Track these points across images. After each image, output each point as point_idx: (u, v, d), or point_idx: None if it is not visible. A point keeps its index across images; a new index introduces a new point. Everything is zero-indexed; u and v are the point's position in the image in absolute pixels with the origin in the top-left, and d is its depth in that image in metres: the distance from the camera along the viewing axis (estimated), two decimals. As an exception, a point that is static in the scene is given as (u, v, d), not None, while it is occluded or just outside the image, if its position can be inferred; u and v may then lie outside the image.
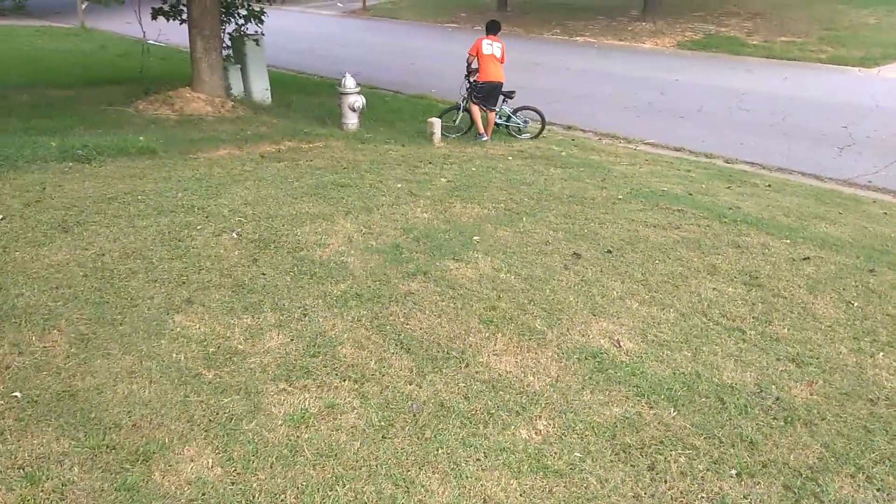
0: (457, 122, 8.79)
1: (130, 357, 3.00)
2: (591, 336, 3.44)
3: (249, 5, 10.03)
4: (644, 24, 19.18)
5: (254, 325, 3.34)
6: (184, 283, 3.71)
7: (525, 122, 8.94)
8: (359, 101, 8.59)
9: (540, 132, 8.97)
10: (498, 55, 8.30)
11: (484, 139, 8.40)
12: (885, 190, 7.26)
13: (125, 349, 3.05)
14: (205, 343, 3.15)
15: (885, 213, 6.22)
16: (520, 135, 8.95)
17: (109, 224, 4.44)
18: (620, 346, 3.35)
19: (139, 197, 5.00)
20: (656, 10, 19.68)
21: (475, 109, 8.40)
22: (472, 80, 8.37)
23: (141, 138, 6.70)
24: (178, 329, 3.24)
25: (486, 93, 8.33)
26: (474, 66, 8.43)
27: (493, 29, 8.39)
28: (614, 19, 20.41)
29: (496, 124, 8.80)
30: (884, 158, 8.26)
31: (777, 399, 2.95)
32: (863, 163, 8.15)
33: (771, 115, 10.50)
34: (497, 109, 8.61)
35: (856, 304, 3.92)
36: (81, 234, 4.26)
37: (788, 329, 3.60)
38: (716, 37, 17.35)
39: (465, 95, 8.56)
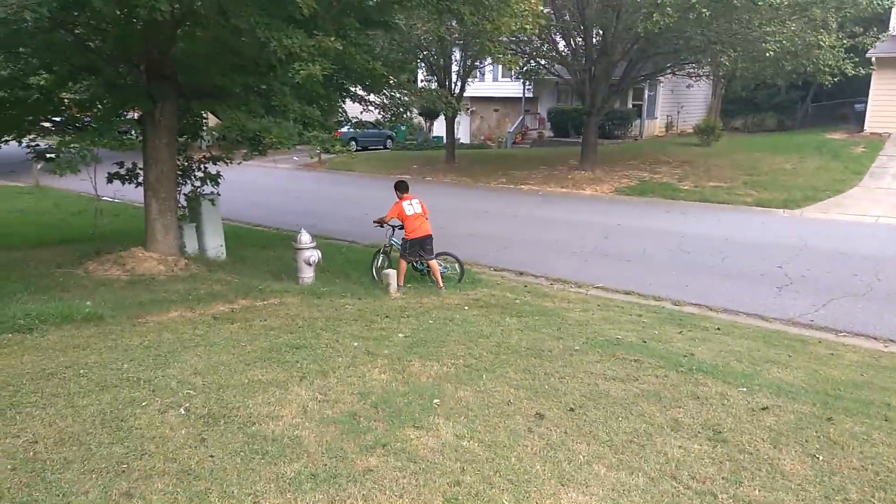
0: (377, 264, 9.41)
1: (56, 570, 2.68)
2: (561, 510, 3.28)
3: (205, 168, 10.32)
4: (583, 172, 20.55)
5: (199, 521, 3.06)
6: (124, 471, 3.43)
7: (445, 268, 9.24)
8: (314, 255, 8.70)
9: (461, 276, 9.21)
10: (420, 210, 8.86)
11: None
12: (826, 329, 7.55)
13: (51, 560, 2.73)
14: (143, 546, 2.85)
15: (832, 354, 6.42)
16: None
17: (46, 405, 4.16)
18: (593, 521, 3.19)
19: (81, 371, 4.75)
20: (593, 159, 21.20)
21: (403, 264, 8.87)
22: (402, 238, 8.94)
23: (88, 304, 6.52)
24: (114, 531, 2.95)
25: (418, 247, 8.83)
26: (393, 222, 9.02)
27: (404, 188, 9.02)
28: (555, 168, 21.84)
29: (417, 269, 9.22)
30: (820, 297, 8.68)
31: (760, 576, 2.81)
32: (802, 302, 8.53)
33: (710, 256, 11.07)
34: (433, 257, 8.97)
35: (821, 457, 3.90)
36: (14, 417, 3.97)
37: (759, 490, 3.52)
38: (650, 183, 18.65)
39: (388, 242, 9.33)
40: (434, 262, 8.97)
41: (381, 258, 9.47)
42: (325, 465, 3.61)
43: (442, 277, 9.13)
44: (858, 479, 3.65)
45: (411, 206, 8.83)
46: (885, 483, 3.61)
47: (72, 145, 7.66)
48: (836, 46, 16.42)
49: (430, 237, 8.90)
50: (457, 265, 9.29)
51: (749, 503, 3.39)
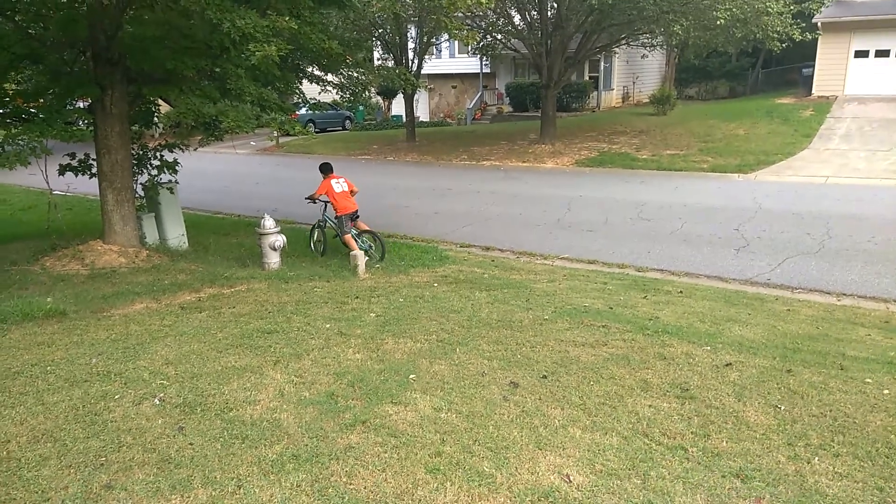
0: (314, 238, 9.98)
1: (41, 565, 2.66)
2: (540, 473, 3.37)
3: (162, 156, 10.07)
4: (543, 145, 20.68)
5: (184, 507, 3.07)
6: (102, 465, 3.40)
7: (369, 245, 9.47)
8: (279, 239, 8.61)
9: (382, 255, 9.41)
10: (346, 189, 9.50)
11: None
12: (782, 286, 7.83)
13: (35, 556, 2.71)
14: (128, 536, 2.85)
15: (789, 310, 6.68)
16: (366, 257, 9.37)
17: (15, 403, 4.07)
18: (570, 481, 3.30)
19: (48, 368, 4.65)
20: (552, 132, 21.34)
21: (350, 242, 9.25)
22: (336, 216, 9.48)
23: (48, 300, 6.36)
24: (98, 523, 2.93)
25: (350, 220, 9.43)
26: (323, 199, 9.53)
27: (329, 169, 9.68)
28: (515, 143, 21.92)
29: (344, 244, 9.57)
30: (775, 256, 8.99)
31: (730, 521, 2.96)
32: (758, 262, 8.83)
33: (670, 222, 11.33)
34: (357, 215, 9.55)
35: (782, 407, 4.09)
36: (-19, 418, 3.88)
37: (727, 441, 3.69)
38: (609, 153, 18.89)
39: (323, 218, 9.80)
40: (360, 223, 9.57)
41: (316, 232, 9.98)
42: (307, 445, 3.64)
43: (366, 254, 9.33)
44: (818, 426, 3.85)
45: (339, 185, 9.44)
46: (842, 427, 3.82)
47: (19, 138, 7.37)
48: (783, 12, 16.78)
49: (355, 212, 9.50)
50: (379, 243, 9.55)
51: (718, 454, 3.55)
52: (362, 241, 9.46)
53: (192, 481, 3.27)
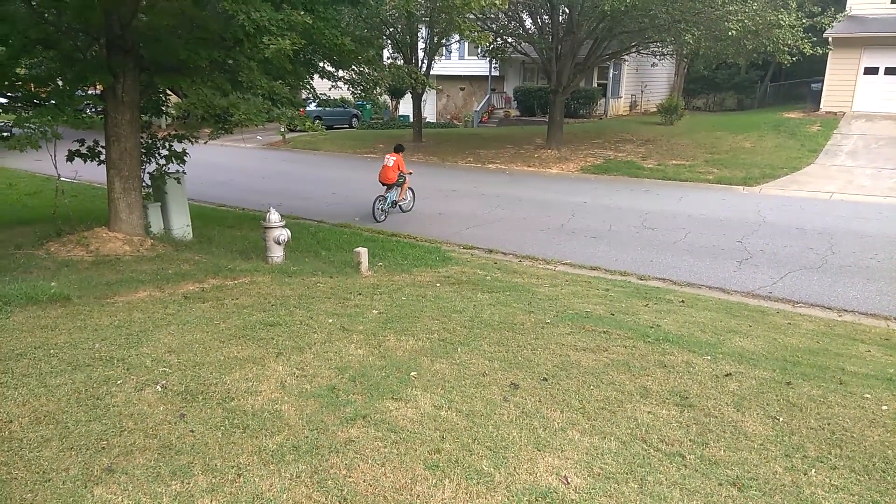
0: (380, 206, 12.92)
1: (42, 544, 2.68)
2: (538, 474, 3.39)
3: (171, 146, 10.10)
4: (549, 151, 20.70)
5: (184, 492, 3.09)
6: (103, 448, 3.42)
7: (390, 204, 13.09)
8: (284, 234, 8.64)
9: (384, 209, 12.89)
10: (390, 164, 12.88)
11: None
12: (784, 300, 7.84)
13: (35, 535, 2.73)
14: (128, 519, 2.87)
15: (790, 324, 6.69)
16: (403, 210, 13.54)
17: (18, 385, 4.10)
18: (568, 483, 3.32)
19: (51, 351, 4.68)
20: (559, 138, 21.36)
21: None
22: None
23: (53, 284, 6.37)
24: (98, 505, 2.95)
25: (386, 187, 13.12)
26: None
27: (393, 149, 13.43)
28: (522, 147, 21.95)
29: (392, 202, 13.20)
30: (778, 270, 9.00)
31: (726, 528, 2.97)
32: (761, 275, 8.84)
33: (673, 232, 11.34)
34: (389, 195, 13.07)
35: (781, 419, 4.10)
36: (-16, 398, 3.90)
37: (724, 450, 3.70)
38: (614, 161, 18.90)
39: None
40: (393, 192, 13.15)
41: (380, 202, 12.91)
42: (307, 437, 3.66)
43: (401, 209, 13.48)
44: (816, 438, 3.86)
45: (385, 160, 13.06)
46: (840, 441, 3.83)
47: (30, 121, 7.40)
48: (795, 26, 16.76)
49: (386, 185, 13.03)
50: (392, 202, 13.18)
51: (715, 462, 3.56)
52: (381, 198, 12.78)
53: (192, 468, 3.29)
